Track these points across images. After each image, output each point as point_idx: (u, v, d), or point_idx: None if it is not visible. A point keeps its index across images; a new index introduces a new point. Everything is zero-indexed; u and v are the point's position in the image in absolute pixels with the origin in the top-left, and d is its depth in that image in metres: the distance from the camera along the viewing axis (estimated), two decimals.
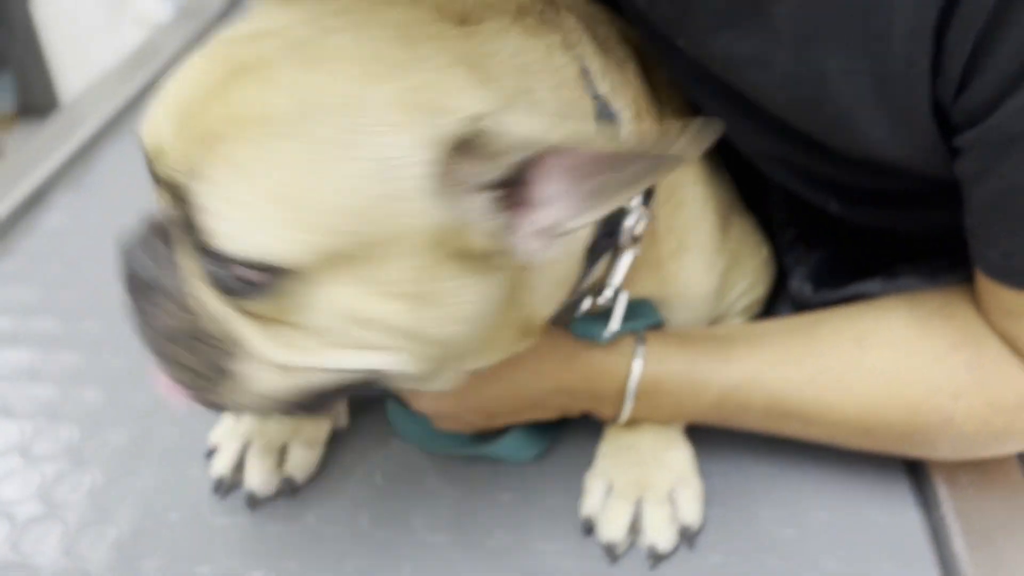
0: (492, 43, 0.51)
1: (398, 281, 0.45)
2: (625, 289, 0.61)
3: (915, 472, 0.67)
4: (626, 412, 0.64)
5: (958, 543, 0.60)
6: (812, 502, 0.65)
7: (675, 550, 0.62)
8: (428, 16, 0.51)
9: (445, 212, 0.44)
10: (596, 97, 0.56)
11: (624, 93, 0.60)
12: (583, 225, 0.46)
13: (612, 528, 0.62)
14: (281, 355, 0.47)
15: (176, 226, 0.47)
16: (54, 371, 0.78)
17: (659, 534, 0.62)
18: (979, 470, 0.65)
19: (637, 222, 0.58)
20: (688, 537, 0.62)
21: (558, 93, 0.53)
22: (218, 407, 0.51)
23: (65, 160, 1.06)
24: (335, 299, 0.45)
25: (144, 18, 2.37)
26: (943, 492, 0.64)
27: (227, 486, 0.66)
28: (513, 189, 0.45)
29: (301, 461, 0.67)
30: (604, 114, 0.56)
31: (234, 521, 0.65)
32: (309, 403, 0.51)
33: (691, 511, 0.63)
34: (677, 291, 0.67)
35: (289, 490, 0.67)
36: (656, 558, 0.61)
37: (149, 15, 2.36)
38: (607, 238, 0.57)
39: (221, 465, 0.67)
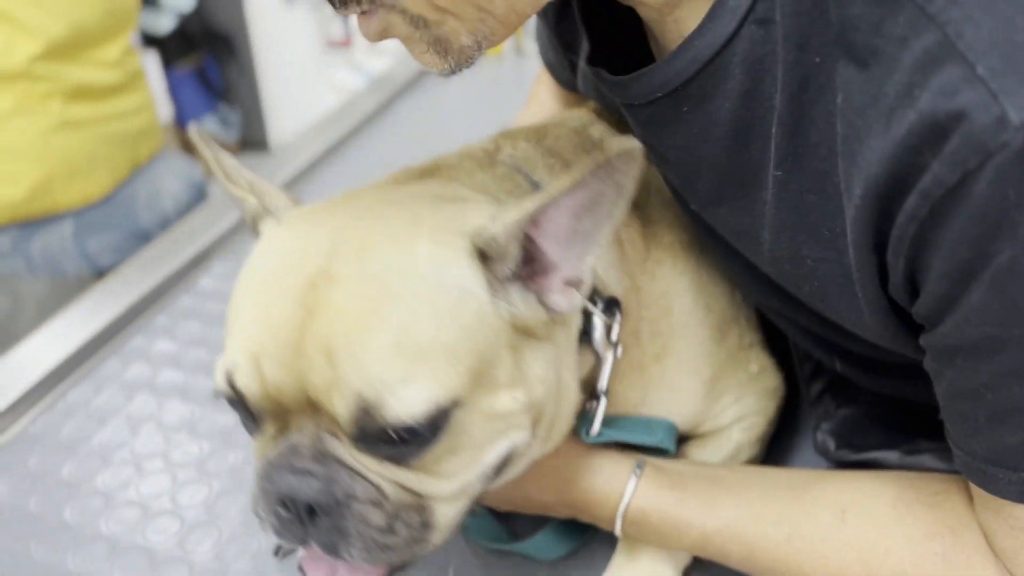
0: (458, 181, 0.67)
1: (508, 373, 0.57)
2: (615, 390, 0.69)
3: None
4: (618, 532, 0.70)
5: None
6: None
7: None
8: (400, 180, 0.67)
9: (504, 308, 0.57)
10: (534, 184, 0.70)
11: None
12: (588, 268, 0.58)
13: None
14: (455, 483, 0.57)
15: (330, 438, 0.54)
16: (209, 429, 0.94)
17: None
18: None
19: (609, 328, 0.66)
20: None
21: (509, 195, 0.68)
22: (408, 565, 0.59)
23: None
24: (478, 409, 0.55)
25: (341, 86, 2.66)
26: None
27: (285, 551, 0.77)
28: (528, 267, 0.58)
29: None
30: None
31: None
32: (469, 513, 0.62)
33: None
34: (659, 394, 0.73)
35: None
36: None
37: (345, 83, 2.64)
38: (583, 337, 0.67)
39: None
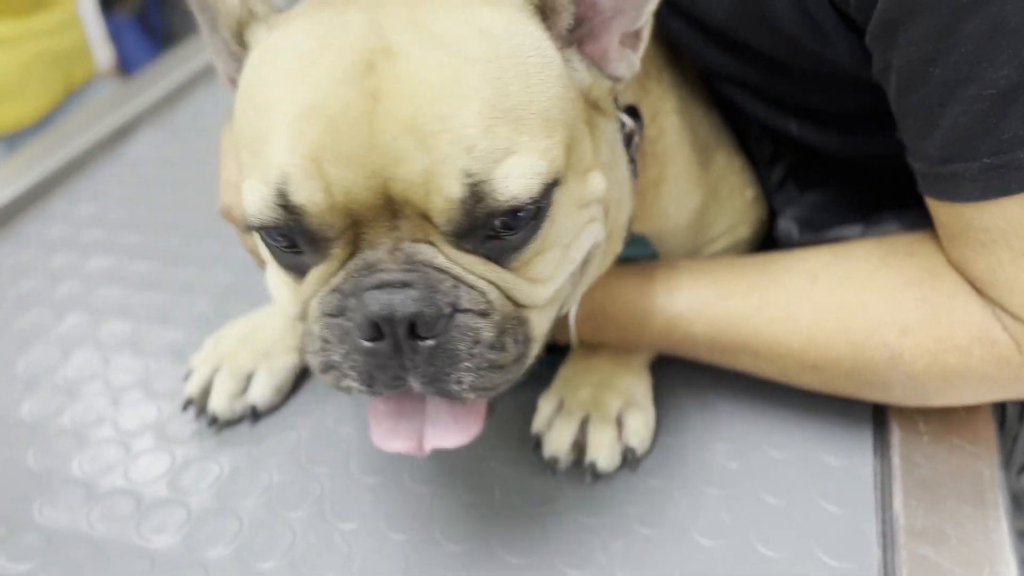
0: None
1: (590, 152, 0.51)
2: (616, 219, 0.61)
3: (879, 420, 0.64)
4: (572, 335, 0.65)
5: (897, 489, 0.58)
6: (766, 439, 0.64)
7: (617, 470, 0.63)
8: None
9: (573, 74, 0.51)
10: None
11: None
12: (648, 15, 0.52)
13: (554, 444, 0.64)
14: (550, 288, 0.50)
15: (416, 246, 0.46)
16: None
17: (600, 453, 0.62)
18: (941, 420, 0.62)
19: (631, 137, 0.60)
20: (632, 460, 0.63)
21: None
22: (502, 392, 0.50)
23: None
24: (571, 193, 0.49)
25: None
26: (896, 438, 0.62)
27: (198, 407, 0.70)
28: (582, 29, 0.51)
29: (264, 388, 0.70)
30: None
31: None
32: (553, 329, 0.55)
33: (637, 435, 0.64)
34: (650, 222, 0.67)
35: (251, 416, 0.70)
36: (595, 476, 0.62)
37: None
38: None
39: (192, 387, 0.71)
